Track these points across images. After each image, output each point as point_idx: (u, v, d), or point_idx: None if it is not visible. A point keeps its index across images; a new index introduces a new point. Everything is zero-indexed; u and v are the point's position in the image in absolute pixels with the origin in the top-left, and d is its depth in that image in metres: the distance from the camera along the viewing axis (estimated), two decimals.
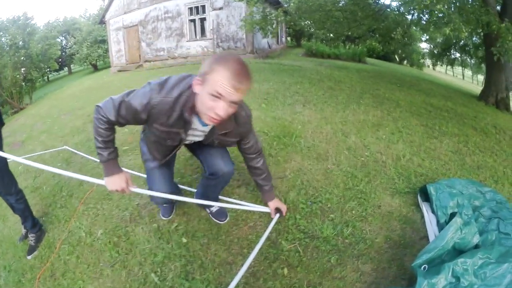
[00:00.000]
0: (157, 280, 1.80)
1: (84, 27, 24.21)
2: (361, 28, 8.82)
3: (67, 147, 4.02)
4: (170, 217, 2.27)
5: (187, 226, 2.15)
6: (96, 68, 23.42)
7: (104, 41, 20.50)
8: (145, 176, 2.13)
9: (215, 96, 1.18)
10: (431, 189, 2.08)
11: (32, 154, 4.10)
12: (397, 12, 8.31)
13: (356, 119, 3.94)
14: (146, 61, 14.75)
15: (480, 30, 6.86)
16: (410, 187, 2.45)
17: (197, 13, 13.01)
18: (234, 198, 2.31)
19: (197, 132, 1.53)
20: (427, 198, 2.14)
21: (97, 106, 1.42)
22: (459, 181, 2.24)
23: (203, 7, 12.72)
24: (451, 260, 1.39)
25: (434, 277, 1.33)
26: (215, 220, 2.13)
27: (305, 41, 19.95)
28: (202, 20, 13.12)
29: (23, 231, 2.57)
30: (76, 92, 10.49)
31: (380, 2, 8.35)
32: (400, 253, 1.81)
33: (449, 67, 25.57)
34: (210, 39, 12.97)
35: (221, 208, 2.15)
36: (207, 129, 1.51)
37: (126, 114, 1.37)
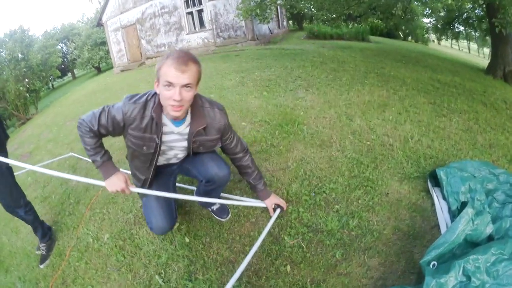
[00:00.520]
0: (161, 282, 1.80)
1: (83, 32, 24.21)
2: (361, 6, 8.58)
3: (73, 154, 4.04)
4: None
5: (189, 225, 2.13)
6: (99, 70, 23.57)
7: (104, 43, 20.53)
8: None
9: (168, 85, 1.33)
10: (441, 174, 1.98)
11: (42, 163, 4.12)
12: None
13: (360, 100, 3.82)
14: (147, 58, 14.79)
15: (482, 1, 6.60)
16: (420, 171, 2.34)
17: (194, 5, 12.94)
18: (236, 194, 2.26)
19: (173, 136, 1.59)
20: (437, 182, 2.04)
21: (80, 119, 1.57)
22: (471, 163, 2.14)
23: None
24: (462, 253, 1.31)
25: (443, 276, 1.25)
26: (217, 217, 2.11)
27: (307, 23, 19.60)
28: (200, 11, 13.05)
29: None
30: (80, 97, 10.57)
31: None
32: (410, 244, 1.73)
33: (454, 41, 24.81)
34: (209, 30, 12.91)
35: (222, 206, 2.12)
36: (183, 129, 1.58)
37: (106, 122, 1.51)
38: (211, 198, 1.89)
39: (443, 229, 1.75)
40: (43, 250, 2.53)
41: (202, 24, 13.24)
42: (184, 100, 1.35)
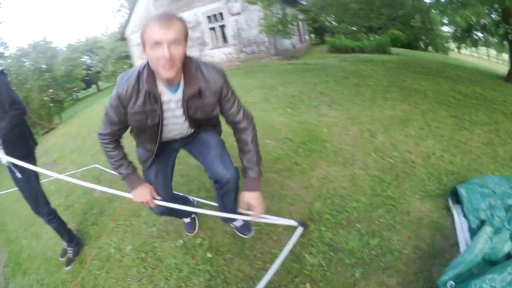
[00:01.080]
0: None
1: (107, 45, 24.93)
2: (381, 18, 8.52)
3: (97, 165, 4.15)
4: (195, 232, 2.29)
5: (211, 241, 2.16)
6: None
7: (128, 57, 20.97)
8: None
9: (155, 45, 1.25)
10: (462, 191, 1.98)
11: (67, 173, 4.23)
12: None
13: (383, 116, 3.81)
14: None
15: (497, 5, 6.45)
16: (441, 188, 2.33)
17: (216, 20, 12.97)
18: None
19: (172, 105, 1.51)
20: (458, 199, 2.03)
21: (98, 133, 1.61)
22: (492, 178, 2.12)
23: (221, 14, 12.68)
24: (480, 272, 1.30)
25: None
26: (239, 234, 2.13)
27: (328, 37, 19.60)
28: (222, 27, 13.05)
29: (64, 245, 2.65)
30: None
31: None
32: (429, 263, 1.72)
33: (473, 49, 24.14)
34: (233, 45, 12.90)
35: (245, 223, 2.14)
36: (179, 95, 1.49)
37: (112, 117, 1.50)
38: (229, 210, 1.89)
39: (462, 247, 1.74)
40: (70, 253, 2.58)
41: (225, 39, 13.22)
42: (174, 57, 1.28)
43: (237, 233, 2.14)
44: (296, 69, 8.44)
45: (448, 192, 2.22)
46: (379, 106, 4.19)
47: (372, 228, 1.99)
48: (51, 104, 14.34)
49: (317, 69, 8.15)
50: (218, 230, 2.24)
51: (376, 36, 16.23)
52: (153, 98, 1.43)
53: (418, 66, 8.82)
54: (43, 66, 15.09)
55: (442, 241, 1.86)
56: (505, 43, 8.43)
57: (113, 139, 1.59)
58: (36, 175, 2.36)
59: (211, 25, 13.20)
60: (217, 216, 2.14)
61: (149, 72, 1.40)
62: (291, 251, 1.87)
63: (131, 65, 20.50)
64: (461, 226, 1.85)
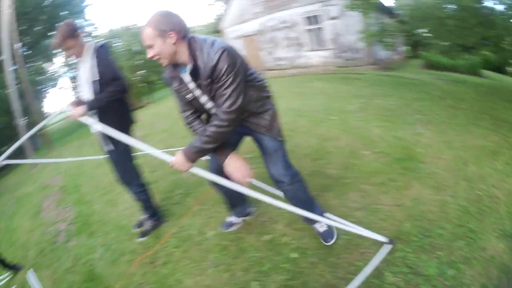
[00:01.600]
0: None
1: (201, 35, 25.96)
2: (473, 37, 7.91)
3: None
4: (231, 229, 2.47)
5: (299, 242, 2.24)
6: None
7: None
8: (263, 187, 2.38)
9: None
10: None
11: (168, 149, 4.03)
12: (504, 17, 7.18)
13: (475, 144, 3.64)
14: (268, 69, 14.83)
15: None
16: None
17: (313, 23, 12.74)
18: (350, 221, 2.24)
19: (191, 85, 1.72)
20: None
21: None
22: None
23: (318, 17, 12.46)
24: None
25: None
26: (321, 240, 2.17)
27: (422, 50, 18.59)
28: (319, 29, 12.78)
29: (141, 218, 2.80)
30: None
31: (488, 6, 7.35)
32: None
33: None
34: (329, 49, 12.60)
35: (329, 229, 2.18)
36: (188, 75, 1.68)
37: (176, 98, 1.88)
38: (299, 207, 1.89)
39: None
40: (148, 225, 2.69)
41: (321, 42, 12.95)
42: (155, 55, 1.57)
43: (320, 238, 2.18)
44: (392, 82, 8.30)
45: None
46: (471, 134, 4.01)
47: (451, 258, 1.98)
48: (141, 84, 15.42)
49: (412, 84, 7.96)
50: (307, 232, 2.29)
51: (469, 56, 15.02)
52: (179, 81, 1.73)
53: (508, 94, 8.12)
54: (136, 48, 15.89)
55: (507, 285, 1.81)
56: None
57: (191, 117, 1.85)
58: (126, 150, 2.46)
59: (308, 27, 13.01)
60: (301, 217, 2.16)
61: None
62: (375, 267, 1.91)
63: None
64: None
